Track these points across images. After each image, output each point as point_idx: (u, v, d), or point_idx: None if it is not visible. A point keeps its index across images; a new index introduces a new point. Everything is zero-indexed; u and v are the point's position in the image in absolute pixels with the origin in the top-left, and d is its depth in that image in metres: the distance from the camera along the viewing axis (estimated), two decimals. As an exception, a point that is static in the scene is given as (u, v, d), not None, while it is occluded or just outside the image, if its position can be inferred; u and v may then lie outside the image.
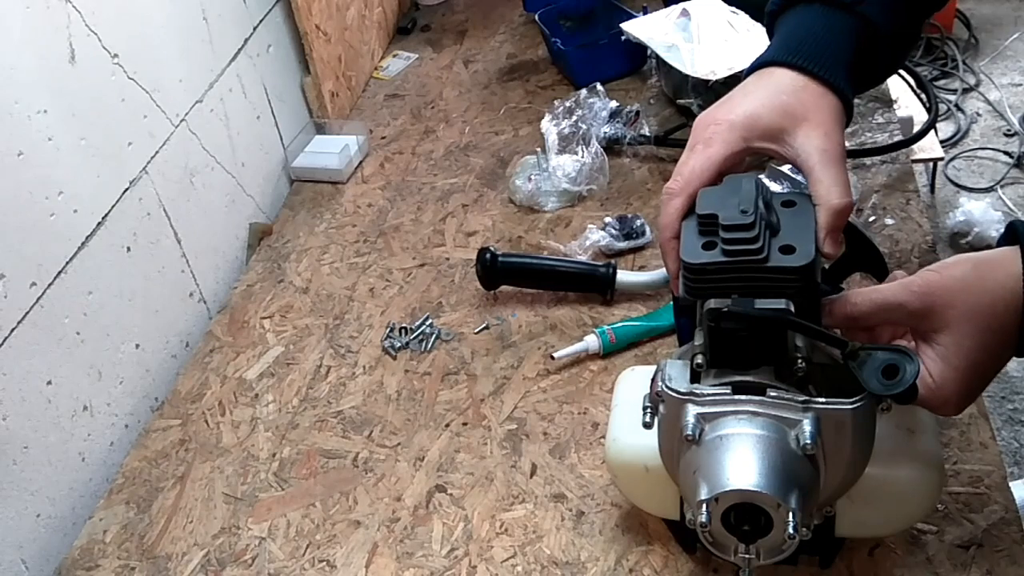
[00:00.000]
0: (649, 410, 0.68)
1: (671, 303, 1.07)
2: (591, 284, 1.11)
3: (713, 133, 0.71)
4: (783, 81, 0.71)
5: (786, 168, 1.14)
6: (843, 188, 0.67)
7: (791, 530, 0.60)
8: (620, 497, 0.88)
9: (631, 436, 0.77)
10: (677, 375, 0.67)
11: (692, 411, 0.65)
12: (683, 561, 0.82)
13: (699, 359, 0.67)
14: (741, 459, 0.62)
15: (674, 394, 0.66)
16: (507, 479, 0.93)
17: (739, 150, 0.70)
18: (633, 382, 0.83)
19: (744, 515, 0.63)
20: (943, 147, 2.59)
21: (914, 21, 0.77)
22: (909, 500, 0.73)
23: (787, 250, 0.64)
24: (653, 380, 0.68)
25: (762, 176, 1.13)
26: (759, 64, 0.74)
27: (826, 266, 0.70)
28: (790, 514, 0.61)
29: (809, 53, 0.71)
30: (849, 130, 0.72)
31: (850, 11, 0.72)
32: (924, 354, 0.64)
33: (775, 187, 1.11)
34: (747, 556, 0.65)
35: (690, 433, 0.64)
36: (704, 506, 0.62)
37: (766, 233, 0.64)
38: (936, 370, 0.63)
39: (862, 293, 0.66)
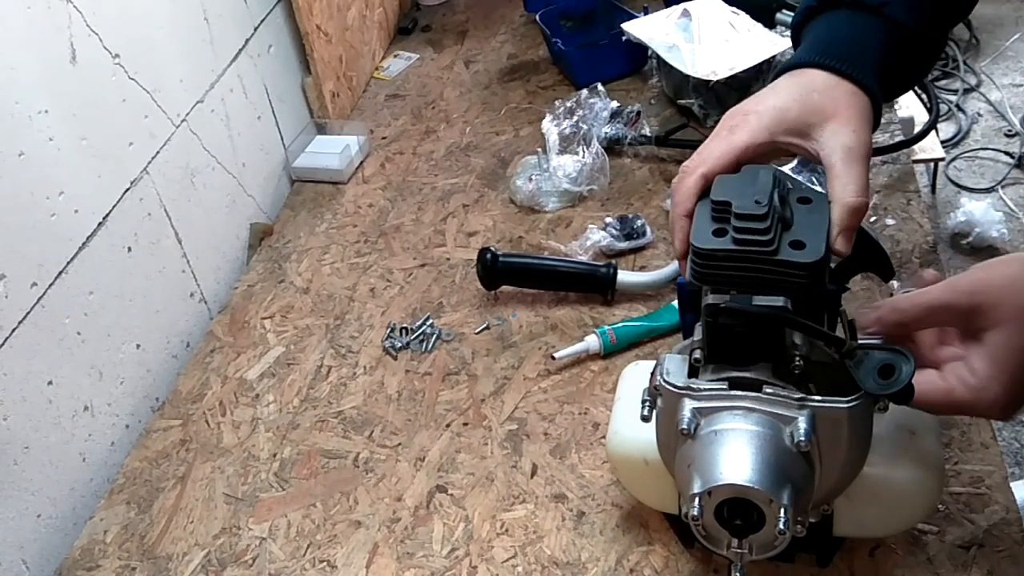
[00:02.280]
0: (647, 403, 0.69)
1: (672, 303, 1.07)
2: (592, 284, 1.11)
3: (740, 121, 0.71)
4: (815, 80, 0.71)
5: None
6: (861, 187, 0.66)
7: (782, 525, 0.61)
8: (621, 497, 0.88)
9: (632, 429, 0.77)
10: (675, 369, 0.67)
11: (688, 405, 0.65)
12: (684, 561, 0.82)
13: (697, 354, 0.67)
14: (735, 454, 0.62)
15: (671, 388, 0.66)
16: (508, 479, 0.93)
17: (763, 141, 0.70)
18: (637, 376, 0.83)
19: (737, 510, 0.63)
20: (944, 147, 2.59)
21: (940, 26, 0.76)
22: (909, 501, 0.73)
23: (797, 245, 0.64)
24: (652, 374, 0.69)
25: (790, 166, 1.12)
26: (789, 66, 0.73)
27: (832, 265, 0.70)
28: (781, 510, 0.61)
29: (839, 54, 0.71)
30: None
31: (877, 13, 0.72)
32: (971, 353, 0.62)
33: (801, 179, 1.10)
34: (739, 551, 0.65)
35: (685, 427, 0.64)
36: (697, 499, 0.63)
37: (778, 226, 0.64)
38: (982, 369, 0.61)
39: (909, 298, 0.65)
